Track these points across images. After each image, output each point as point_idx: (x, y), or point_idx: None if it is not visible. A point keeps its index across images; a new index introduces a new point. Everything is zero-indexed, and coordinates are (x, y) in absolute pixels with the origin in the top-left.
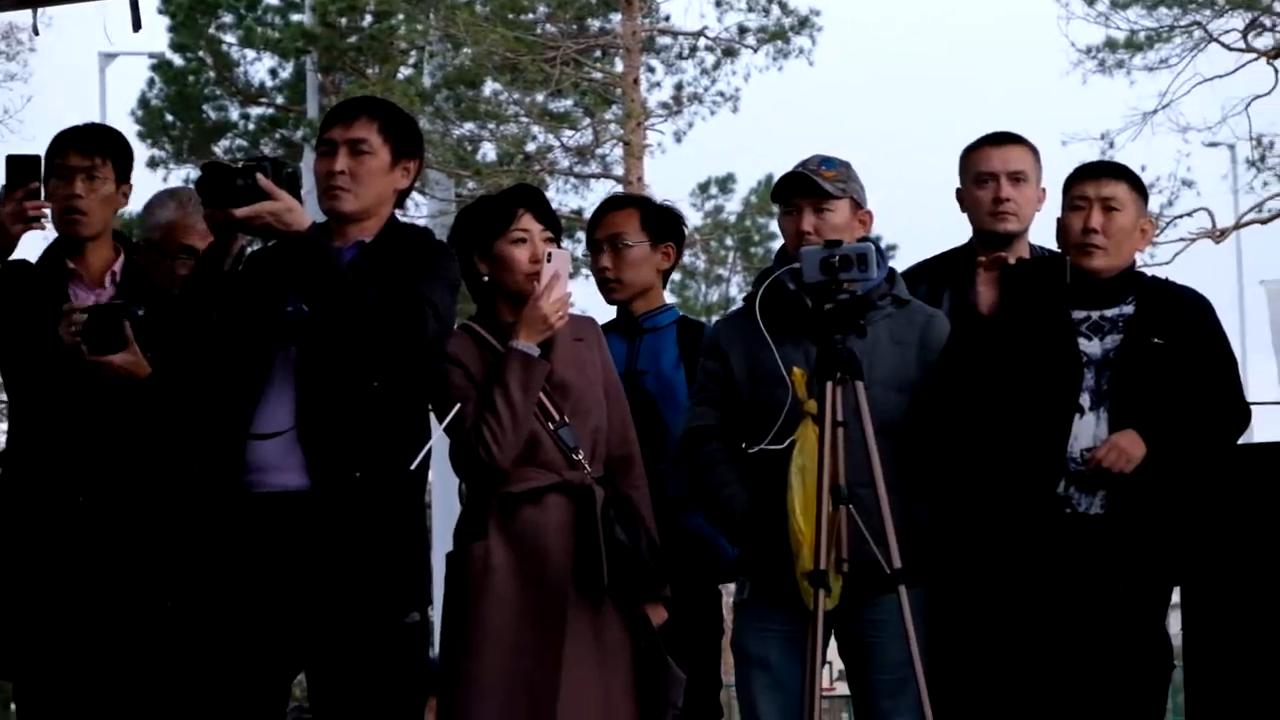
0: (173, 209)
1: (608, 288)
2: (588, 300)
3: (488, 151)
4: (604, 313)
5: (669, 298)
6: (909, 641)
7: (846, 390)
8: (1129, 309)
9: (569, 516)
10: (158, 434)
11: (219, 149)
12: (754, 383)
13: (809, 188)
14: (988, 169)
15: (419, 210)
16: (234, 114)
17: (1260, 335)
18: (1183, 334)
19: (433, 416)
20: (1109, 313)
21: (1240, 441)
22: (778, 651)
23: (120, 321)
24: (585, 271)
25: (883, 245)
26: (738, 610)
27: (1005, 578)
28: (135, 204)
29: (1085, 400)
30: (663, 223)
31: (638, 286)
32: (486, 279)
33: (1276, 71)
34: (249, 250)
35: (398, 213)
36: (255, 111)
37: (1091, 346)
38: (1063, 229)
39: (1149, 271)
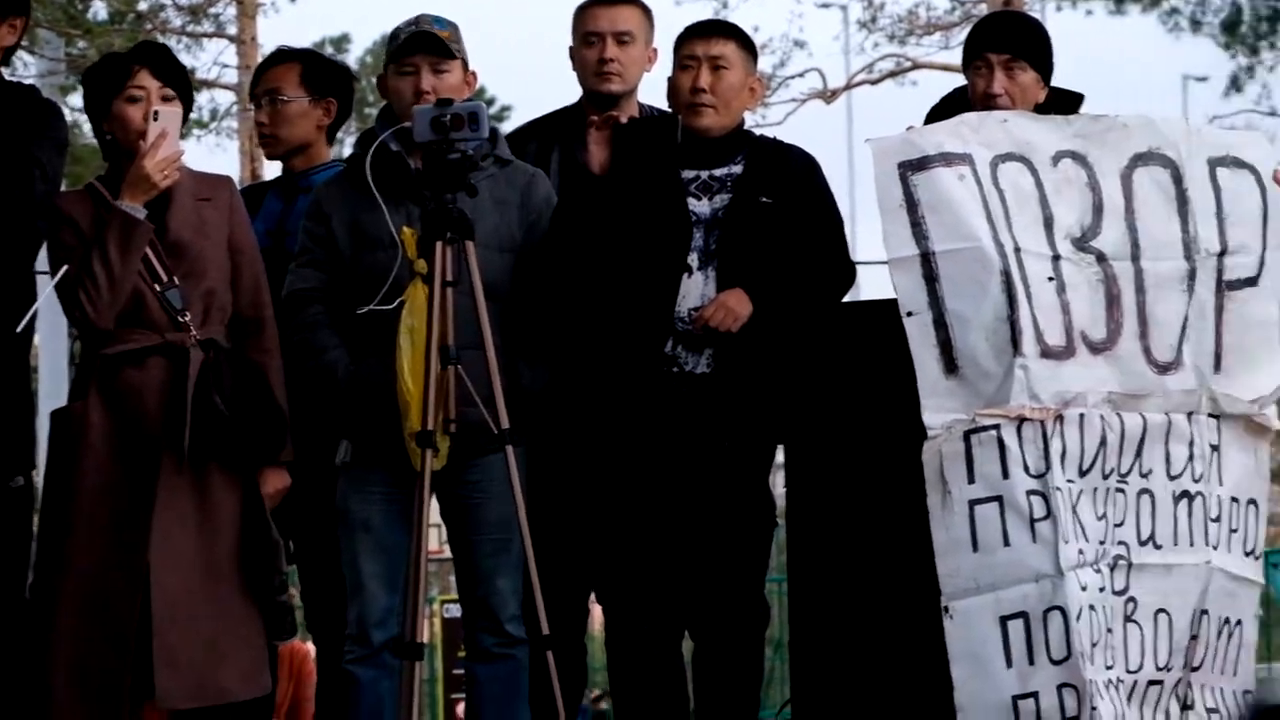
0: None
1: (265, 143)
2: None
3: (99, 10)
4: None
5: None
6: (515, 502)
7: (456, 250)
8: (738, 168)
9: (170, 378)
10: None
11: None
12: (357, 245)
13: (432, 45)
14: (594, 29)
15: (28, 69)
16: None
17: (868, 194)
18: (791, 193)
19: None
20: (718, 172)
21: (846, 299)
22: (380, 514)
23: None
24: None
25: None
26: (340, 473)
27: (611, 436)
28: None
29: (694, 260)
30: (325, 78)
31: (295, 142)
32: (109, 138)
33: None
34: None
35: (4, 71)
36: None
37: (700, 206)
38: (673, 88)
39: (759, 131)
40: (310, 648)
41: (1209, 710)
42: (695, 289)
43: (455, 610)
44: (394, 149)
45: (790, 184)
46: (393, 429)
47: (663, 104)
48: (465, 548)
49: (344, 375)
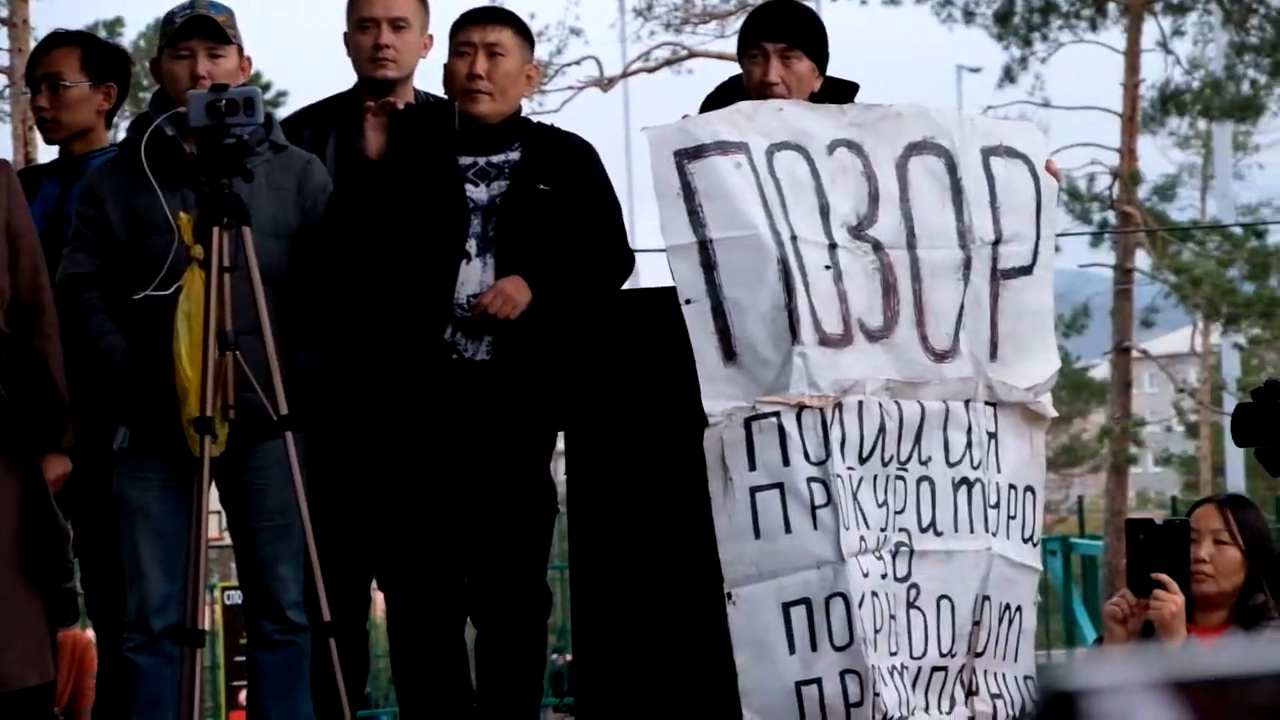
0: None
1: (45, 128)
2: None
3: None
4: None
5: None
6: (295, 488)
7: (233, 236)
8: (515, 155)
9: None
10: None
11: None
12: (132, 229)
13: (208, 29)
14: (369, 14)
15: None
16: None
17: (646, 182)
18: (568, 180)
19: None
20: (495, 159)
21: (626, 287)
22: (158, 501)
23: None
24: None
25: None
26: (117, 460)
27: (392, 423)
28: None
29: (472, 246)
30: (105, 62)
31: (76, 127)
32: None
33: None
34: None
35: None
36: None
37: (478, 193)
38: (449, 74)
39: (536, 119)
40: (91, 635)
41: (993, 696)
42: (474, 276)
43: (237, 597)
44: (169, 134)
45: (568, 171)
46: (170, 415)
47: (439, 91)
48: (245, 534)
49: (121, 360)
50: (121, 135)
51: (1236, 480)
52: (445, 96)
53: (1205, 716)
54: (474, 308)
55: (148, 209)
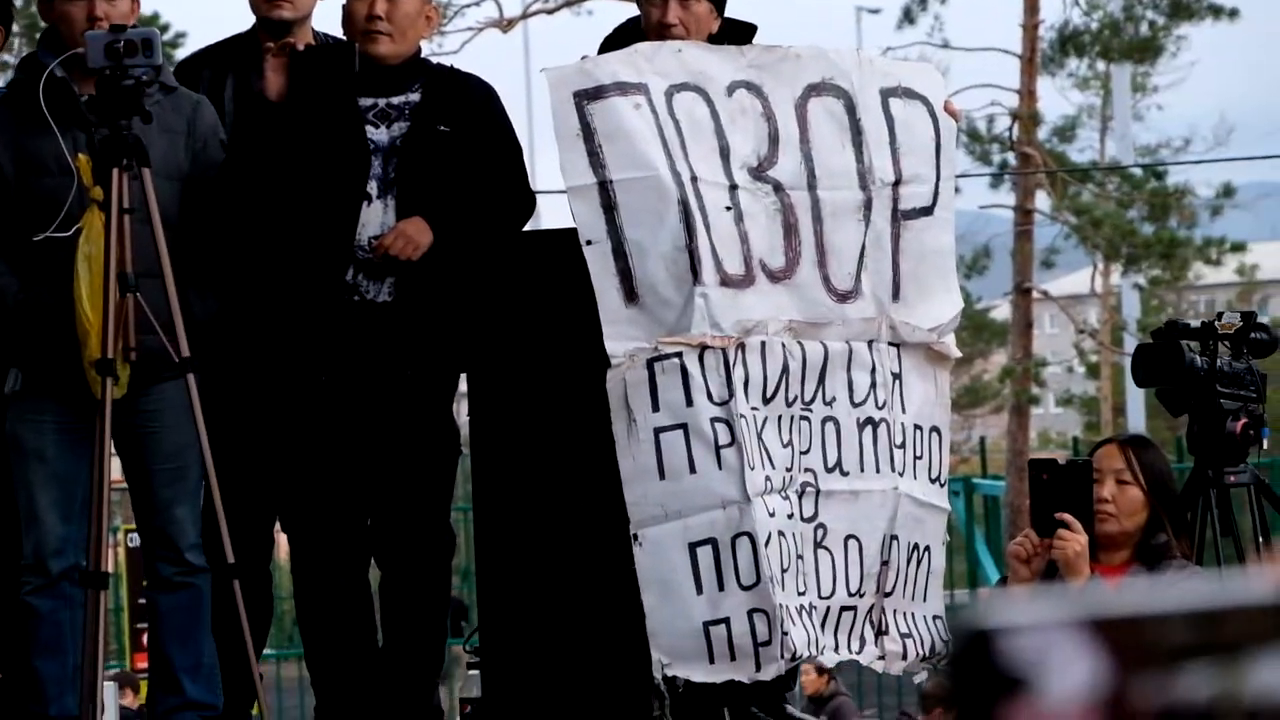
0: None
1: None
2: None
3: None
4: None
5: None
6: (197, 430)
7: (132, 177)
8: (416, 96)
9: None
10: None
11: None
12: (22, 171)
13: None
14: None
15: None
16: None
17: (546, 124)
18: (469, 122)
19: None
20: (396, 100)
21: (527, 229)
22: (54, 444)
23: None
24: None
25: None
26: (10, 403)
27: (293, 364)
28: None
29: (373, 188)
30: None
31: None
32: None
33: None
34: None
35: None
36: None
37: (379, 134)
38: (348, 15)
39: (435, 60)
40: None
41: (903, 635)
42: (375, 217)
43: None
44: (60, 75)
45: (468, 112)
46: (64, 357)
47: (338, 32)
48: (142, 477)
49: (13, 302)
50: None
51: (1137, 421)
52: (345, 38)
53: (1120, 654)
54: (375, 249)
55: (40, 150)
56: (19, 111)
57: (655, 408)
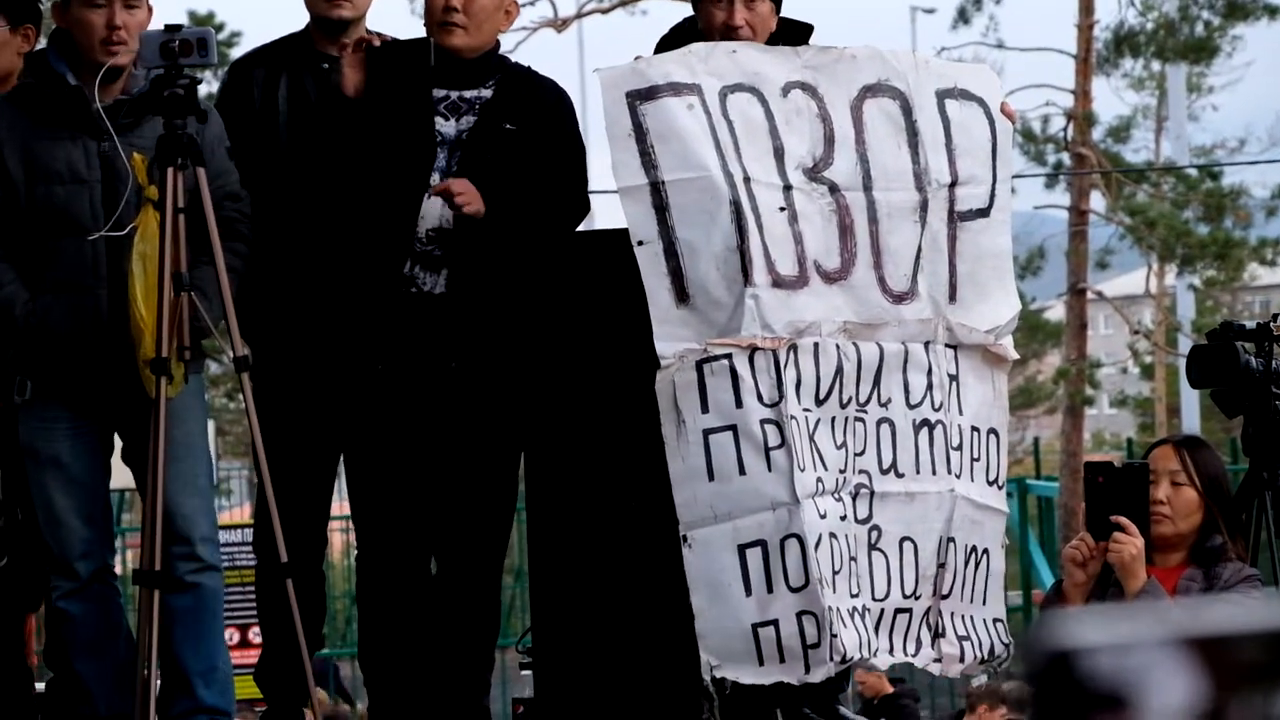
0: None
1: None
2: None
3: None
4: None
5: None
6: (251, 429)
7: (187, 176)
8: (488, 93)
9: None
10: None
11: None
12: (33, 178)
13: None
14: None
15: None
16: None
17: (599, 123)
18: (536, 122)
19: None
20: (468, 94)
21: (580, 229)
22: (68, 449)
23: None
24: None
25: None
26: (21, 412)
27: (347, 356)
28: None
29: (435, 180)
30: (20, 4)
31: (1, 73)
32: None
33: None
34: None
35: None
36: None
37: (447, 127)
38: (427, 7)
39: (514, 58)
40: None
41: (960, 638)
42: (434, 210)
43: None
44: (72, 83)
45: (537, 113)
46: (72, 364)
47: (389, 32)
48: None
49: (22, 311)
50: None
51: (1192, 422)
52: (409, 36)
53: (1218, 674)
54: (437, 186)
55: (50, 158)
56: (29, 116)
57: (705, 409)
